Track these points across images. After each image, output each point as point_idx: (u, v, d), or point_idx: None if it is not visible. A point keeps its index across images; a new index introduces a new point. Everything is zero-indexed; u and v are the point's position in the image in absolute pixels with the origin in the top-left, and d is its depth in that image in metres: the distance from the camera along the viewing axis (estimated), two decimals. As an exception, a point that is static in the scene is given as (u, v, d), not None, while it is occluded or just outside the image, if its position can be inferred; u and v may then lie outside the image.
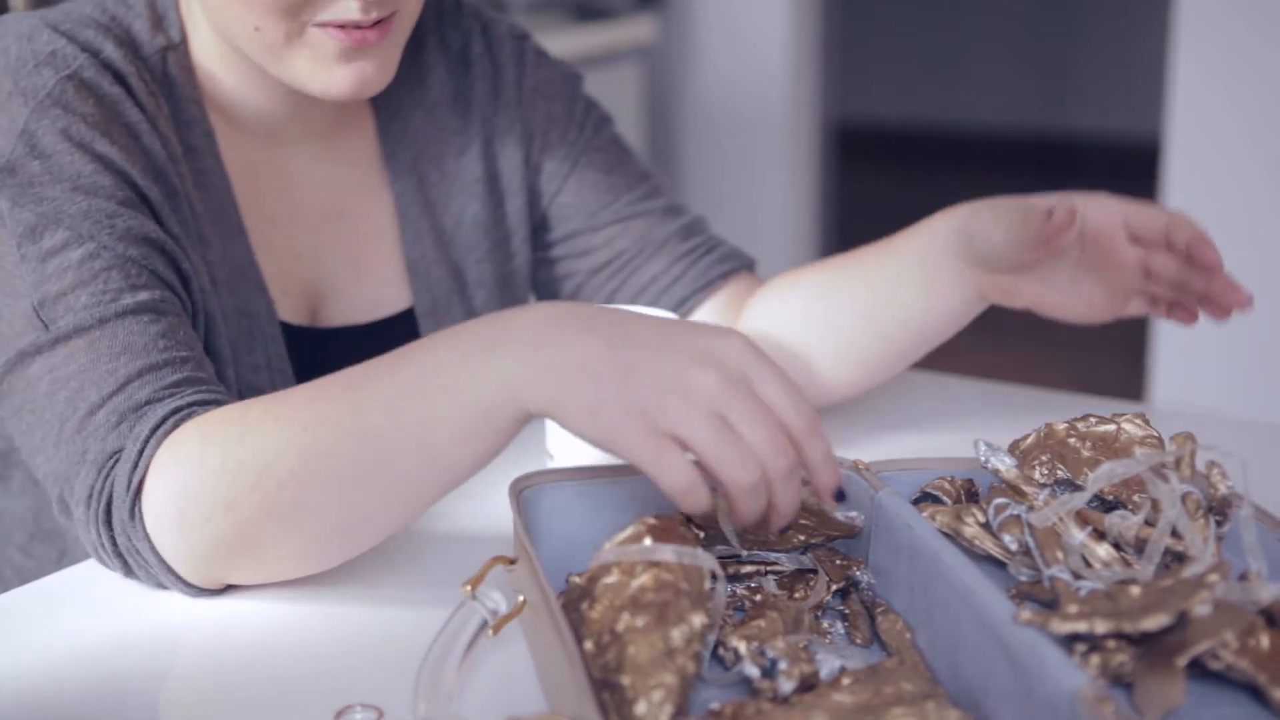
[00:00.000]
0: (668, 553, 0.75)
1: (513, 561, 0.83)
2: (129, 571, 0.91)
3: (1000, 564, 0.87)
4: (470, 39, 1.23)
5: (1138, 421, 0.90)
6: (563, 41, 3.12)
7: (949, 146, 6.67)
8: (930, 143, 6.72)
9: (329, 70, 1.02)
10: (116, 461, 0.89)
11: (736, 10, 3.84)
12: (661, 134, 3.94)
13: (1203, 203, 3.02)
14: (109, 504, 0.89)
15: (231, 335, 1.08)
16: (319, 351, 1.14)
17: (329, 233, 1.16)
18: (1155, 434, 0.90)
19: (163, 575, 0.89)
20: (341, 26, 1.00)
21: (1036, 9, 6.51)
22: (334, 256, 1.17)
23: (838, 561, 0.88)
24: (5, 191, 0.96)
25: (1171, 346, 3.08)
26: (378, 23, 1.01)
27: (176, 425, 0.88)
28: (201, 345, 1.00)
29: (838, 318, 1.14)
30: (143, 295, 0.95)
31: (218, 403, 0.91)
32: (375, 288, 1.18)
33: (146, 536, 0.88)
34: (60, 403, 0.91)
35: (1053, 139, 6.53)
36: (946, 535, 0.87)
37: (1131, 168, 5.66)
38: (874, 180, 6.28)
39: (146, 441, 0.88)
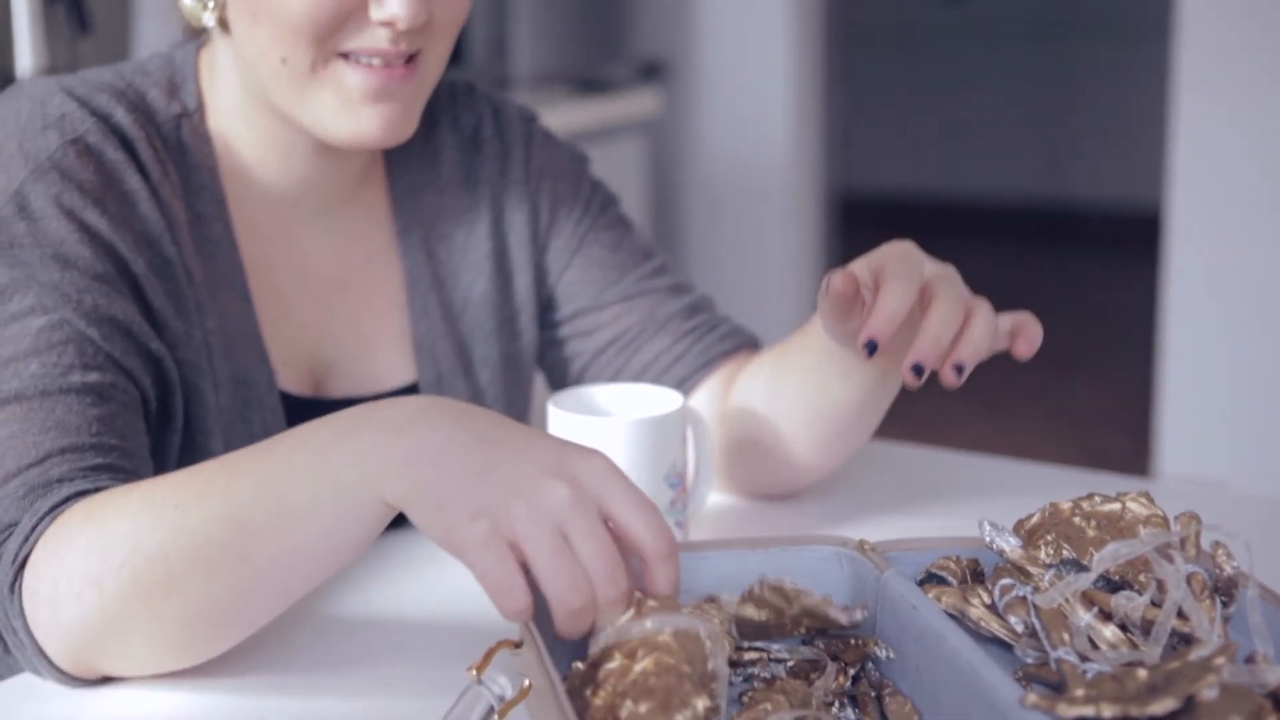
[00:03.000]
0: (665, 628, 0.75)
1: (518, 645, 0.83)
2: (6, 650, 0.90)
3: (1006, 646, 0.86)
4: (481, 121, 1.25)
5: (1142, 500, 0.90)
6: (566, 115, 3.14)
7: (951, 215, 6.71)
8: (932, 211, 6.76)
9: (355, 111, 1.04)
10: (10, 534, 0.89)
11: (738, 82, 3.87)
12: (665, 205, 3.96)
13: (1205, 269, 3.03)
14: None
15: (225, 404, 1.08)
16: None
17: (336, 304, 1.17)
18: (1160, 513, 0.90)
19: (36, 659, 0.88)
20: (369, 65, 1.03)
21: (1037, 78, 6.56)
22: (340, 328, 1.17)
23: (851, 642, 0.87)
24: None
25: (1176, 416, 3.08)
26: (407, 61, 1.04)
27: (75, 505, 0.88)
28: (148, 438, 1.00)
29: (787, 401, 1.15)
30: (92, 376, 0.95)
31: None
32: (380, 361, 1.18)
33: (22, 613, 0.87)
34: None
35: (1054, 207, 6.56)
36: (952, 616, 0.87)
37: (1133, 236, 5.69)
38: (875, 248, 6.30)
39: (42, 518, 0.88)
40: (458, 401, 0.83)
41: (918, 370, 0.92)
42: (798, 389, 1.13)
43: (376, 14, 1.02)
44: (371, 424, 0.81)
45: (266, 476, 0.83)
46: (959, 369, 0.93)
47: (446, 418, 0.80)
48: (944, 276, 0.96)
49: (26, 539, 0.87)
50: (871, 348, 0.93)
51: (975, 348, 0.94)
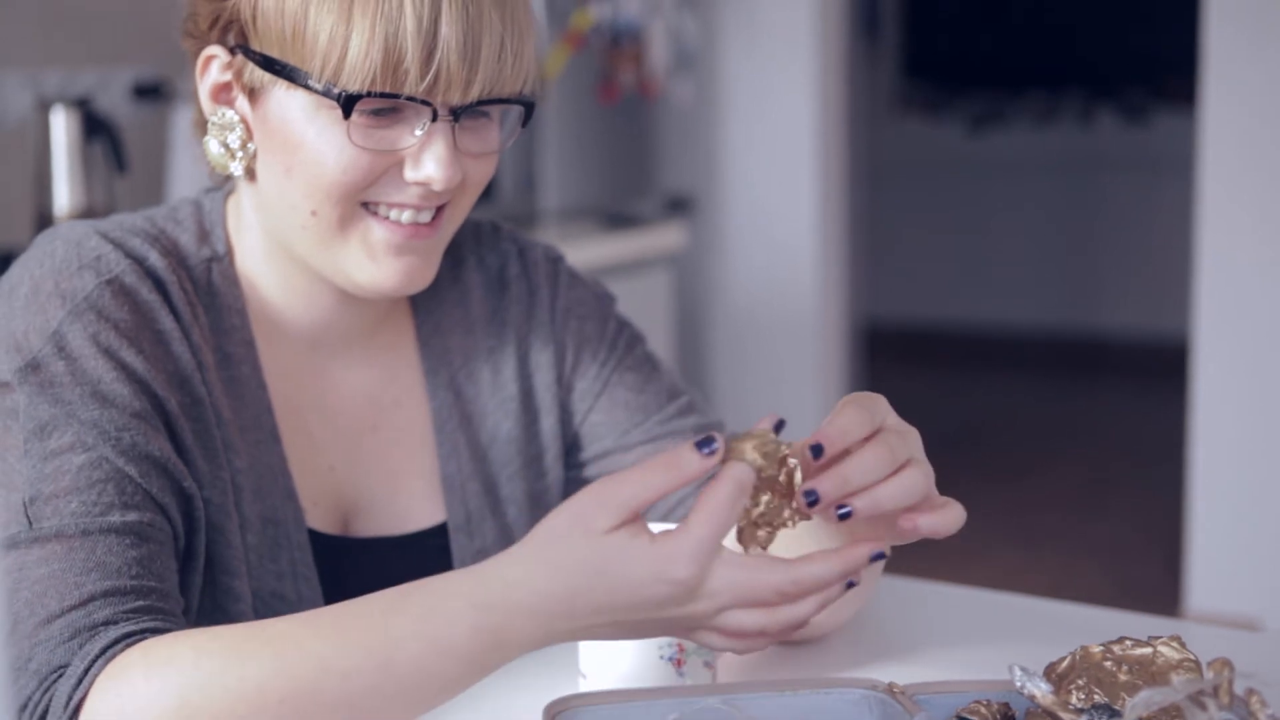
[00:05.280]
0: None
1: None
2: None
3: (1039, 792, 0.85)
4: (507, 261, 1.26)
5: (1174, 645, 0.90)
6: (594, 249, 3.17)
7: (976, 345, 6.72)
8: (957, 342, 6.77)
9: (377, 262, 1.06)
10: (60, 676, 0.89)
11: (763, 215, 3.91)
12: (691, 336, 3.99)
13: (1233, 399, 3.02)
14: (42, 718, 0.88)
15: (254, 542, 1.08)
16: (348, 561, 1.14)
17: (365, 446, 1.18)
18: (1192, 657, 0.89)
19: None
20: (397, 221, 1.05)
21: (1061, 209, 6.60)
22: (369, 469, 1.18)
23: None
24: (25, 388, 0.99)
25: (1206, 550, 3.06)
26: (434, 218, 1.06)
27: (126, 649, 0.89)
28: (177, 575, 1.00)
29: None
30: (131, 516, 0.96)
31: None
32: (409, 501, 1.19)
33: None
34: (20, 602, 0.92)
35: (1080, 338, 6.57)
36: (984, 762, 0.86)
37: (1160, 367, 5.69)
38: (902, 380, 6.30)
39: (94, 661, 0.88)
40: (557, 599, 0.86)
41: (809, 496, 0.89)
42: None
43: (411, 175, 1.04)
44: (505, 641, 0.87)
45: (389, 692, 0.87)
46: (843, 510, 0.90)
47: (569, 627, 0.87)
48: (898, 431, 0.93)
49: (79, 684, 0.88)
50: (816, 451, 0.89)
51: (876, 500, 0.90)
